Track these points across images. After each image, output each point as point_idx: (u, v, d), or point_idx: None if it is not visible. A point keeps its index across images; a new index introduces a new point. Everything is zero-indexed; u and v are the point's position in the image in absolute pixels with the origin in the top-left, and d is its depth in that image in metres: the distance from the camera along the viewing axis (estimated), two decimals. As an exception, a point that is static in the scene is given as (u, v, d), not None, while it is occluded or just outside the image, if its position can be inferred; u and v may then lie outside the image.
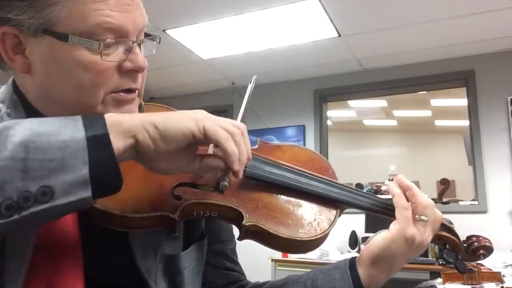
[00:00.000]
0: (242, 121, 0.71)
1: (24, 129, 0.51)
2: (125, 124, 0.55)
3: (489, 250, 0.81)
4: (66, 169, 0.50)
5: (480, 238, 0.82)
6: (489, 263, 2.26)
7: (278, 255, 3.72)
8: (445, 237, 0.81)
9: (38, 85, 0.66)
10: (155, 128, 0.56)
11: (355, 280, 0.72)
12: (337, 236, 3.70)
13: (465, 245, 0.82)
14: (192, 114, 0.60)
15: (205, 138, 0.58)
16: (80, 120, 0.54)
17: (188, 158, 0.60)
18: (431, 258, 3.30)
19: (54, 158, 0.50)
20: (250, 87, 0.80)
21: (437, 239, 0.80)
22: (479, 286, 1.57)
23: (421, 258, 3.32)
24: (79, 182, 0.50)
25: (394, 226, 0.72)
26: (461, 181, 5.51)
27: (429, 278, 2.90)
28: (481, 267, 1.81)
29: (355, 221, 3.73)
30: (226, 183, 0.62)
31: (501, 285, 1.59)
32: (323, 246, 3.73)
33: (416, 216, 0.72)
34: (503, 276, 1.70)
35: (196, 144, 0.59)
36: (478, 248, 0.81)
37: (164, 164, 0.59)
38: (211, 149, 0.62)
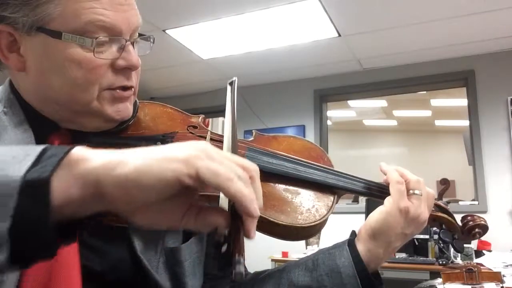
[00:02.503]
0: (233, 146, 0.59)
1: None
2: (88, 164, 0.42)
3: (484, 228, 0.83)
4: None
5: (475, 217, 0.84)
6: (489, 263, 2.26)
7: (278, 255, 3.72)
8: (441, 218, 0.83)
9: (33, 83, 0.67)
10: (127, 172, 0.41)
11: (355, 256, 0.73)
12: (337, 236, 3.69)
13: (461, 224, 0.84)
14: (183, 150, 0.43)
15: (200, 183, 0.42)
16: (37, 152, 0.42)
17: (180, 211, 0.46)
18: (431, 258, 3.30)
19: None
20: (230, 92, 0.72)
21: (433, 220, 0.82)
22: (479, 286, 1.57)
23: (421, 258, 3.32)
24: None
25: (388, 200, 0.74)
26: (461, 181, 5.52)
27: (429, 278, 2.90)
28: (481, 267, 1.81)
29: (355, 221, 3.73)
30: (240, 269, 0.42)
31: (501, 285, 1.59)
32: (323, 246, 3.74)
33: (410, 191, 0.75)
34: (503, 276, 1.70)
35: (190, 190, 0.44)
36: (473, 227, 0.83)
37: (147, 218, 0.45)
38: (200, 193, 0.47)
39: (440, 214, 0.83)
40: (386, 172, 0.78)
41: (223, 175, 0.42)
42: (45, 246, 0.41)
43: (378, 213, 0.74)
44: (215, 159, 0.43)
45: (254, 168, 0.46)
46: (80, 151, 0.43)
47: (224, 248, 0.45)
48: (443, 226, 0.84)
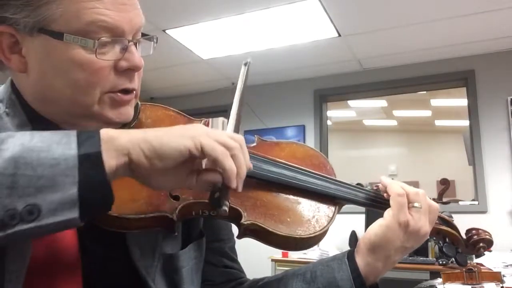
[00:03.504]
0: (236, 125, 0.69)
1: (16, 144, 0.49)
2: (119, 141, 0.53)
3: (489, 243, 0.81)
4: (54, 187, 0.48)
5: (480, 231, 0.82)
6: (489, 263, 2.26)
7: (278, 255, 3.72)
8: (444, 231, 0.81)
9: (34, 84, 0.66)
10: (150, 146, 0.54)
11: (353, 269, 0.73)
12: (337, 236, 3.70)
13: (465, 238, 0.83)
14: (189, 130, 0.57)
15: (203, 155, 0.56)
16: (75, 136, 0.52)
17: (185, 174, 0.58)
18: (431, 258, 3.30)
19: (43, 175, 0.48)
20: (243, 74, 0.74)
21: (436, 232, 0.81)
22: (479, 286, 1.57)
23: (421, 258, 3.32)
24: (67, 202, 0.48)
25: (388, 213, 0.74)
26: (461, 181, 5.51)
27: (429, 278, 2.90)
28: (481, 267, 1.81)
29: (355, 221, 3.73)
30: (226, 208, 0.58)
31: (501, 285, 1.59)
32: (323, 246, 3.74)
33: (410, 204, 0.73)
34: (503, 276, 1.70)
35: (193, 159, 0.57)
36: (478, 241, 0.81)
37: (160, 180, 0.57)
38: (204, 163, 0.60)
39: (444, 227, 0.81)
40: (386, 185, 0.77)
41: (219, 151, 0.56)
42: (106, 202, 0.52)
43: (377, 227, 0.74)
44: (212, 136, 0.57)
45: (240, 138, 0.60)
46: (108, 132, 0.53)
47: (216, 195, 0.59)
48: (447, 240, 0.82)
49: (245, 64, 0.76)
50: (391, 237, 0.72)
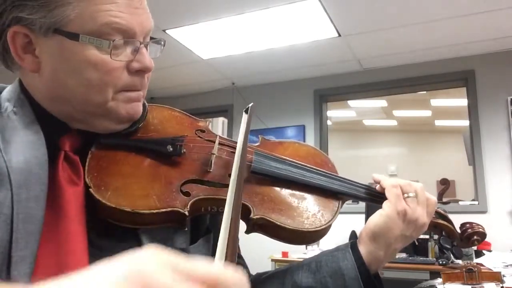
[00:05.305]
0: (231, 230, 0.53)
1: None
2: None
3: (482, 236, 0.85)
4: None
5: (474, 224, 0.86)
6: (489, 263, 2.26)
7: (278, 255, 3.72)
8: (440, 224, 0.85)
9: (47, 84, 0.67)
10: None
11: (357, 258, 0.75)
12: (337, 236, 3.69)
13: (460, 232, 0.86)
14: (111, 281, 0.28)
15: None
16: None
17: None
18: (431, 258, 3.30)
19: None
20: (245, 121, 0.73)
21: (433, 226, 0.85)
22: (479, 286, 1.58)
23: (421, 258, 3.32)
24: None
25: (386, 204, 0.77)
26: (461, 181, 5.52)
27: (429, 278, 2.90)
28: (481, 267, 1.81)
29: (355, 221, 3.73)
30: None
31: (501, 285, 1.59)
32: (323, 246, 3.73)
33: (404, 194, 0.77)
34: (503, 276, 1.70)
35: None
36: (471, 234, 0.85)
37: None
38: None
39: (440, 221, 0.85)
40: (379, 180, 0.80)
41: None
42: None
43: (377, 216, 0.77)
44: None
45: (235, 282, 0.29)
46: None
47: None
48: (443, 233, 0.86)
49: (246, 111, 0.76)
50: (391, 226, 0.75)
